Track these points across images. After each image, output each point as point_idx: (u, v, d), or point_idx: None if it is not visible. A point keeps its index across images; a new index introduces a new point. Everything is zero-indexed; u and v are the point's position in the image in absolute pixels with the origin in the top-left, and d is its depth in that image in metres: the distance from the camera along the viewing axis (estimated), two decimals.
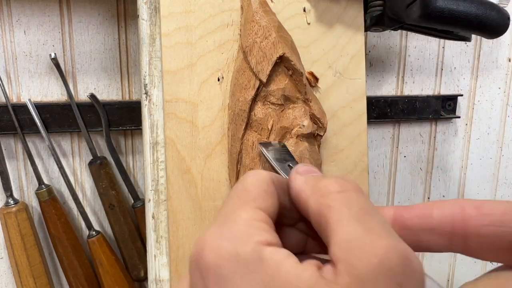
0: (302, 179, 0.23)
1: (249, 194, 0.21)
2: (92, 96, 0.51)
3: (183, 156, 0.39)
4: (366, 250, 0.16)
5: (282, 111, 0.37)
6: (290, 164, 0.32)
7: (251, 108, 0.37)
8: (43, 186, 0.52)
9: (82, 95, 0.54)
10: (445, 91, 0.67)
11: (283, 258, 0.18)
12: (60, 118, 0.52)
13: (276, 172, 0.31)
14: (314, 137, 0.39)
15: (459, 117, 0.67)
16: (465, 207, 0.20)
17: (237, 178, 0.38)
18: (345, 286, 0.16)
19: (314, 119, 0.38)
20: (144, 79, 0.40)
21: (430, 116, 0.65)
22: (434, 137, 0.68)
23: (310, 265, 0.18)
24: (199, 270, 0.18)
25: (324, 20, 0.42)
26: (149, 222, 0.40)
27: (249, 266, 0.17)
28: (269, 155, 0.34)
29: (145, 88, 0.39)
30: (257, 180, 0.22)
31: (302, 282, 0.16)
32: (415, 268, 0.17)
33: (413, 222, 0.21)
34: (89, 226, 0.54)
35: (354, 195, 0.20)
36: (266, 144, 0.36)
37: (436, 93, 0.66)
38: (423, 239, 0.20)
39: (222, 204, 0.22)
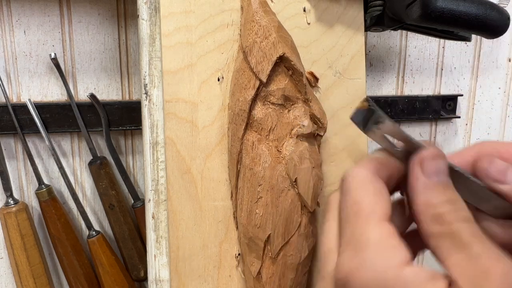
0: (423, 188, 0.23)
1: (363, 206, 0.22)
2: (92, 96, 0.51)
3: (183, 156, 0.39)
4: (488, 274, 0.19)
5: (282, 111, 0.37)
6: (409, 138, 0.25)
7: (251, 108, 0.37)
8: (43, 186, 0.52)
9: (82, 95, 0.54)
10: (445, 91, 0.67)
11: (424, 280, 0.19)
12: (60, 118, 0.52)
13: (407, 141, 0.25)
14: (314, 137, 0.39)
15: (459, 117, 0.67)
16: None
17: (237, 178, 0.38)
18: None
19: (314, 119, 0.38)
20: (144, 79, 0.40)
21: (430, 116, 0.65)
22: (434, 137, 0.68)
23: (443, 283, 0.19)
24: None
25: (324, 20, 0.42)
26: (149, 222, 0.40)
27: None
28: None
29: (145, 88, 0.39)
30: (362, 184, 0.23)
31: None
32: None
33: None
34: (89, 226, 0.54)
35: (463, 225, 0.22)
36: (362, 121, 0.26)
37: (436, 93, 0.66)
38: None
39: (342, 222, 0.23)
